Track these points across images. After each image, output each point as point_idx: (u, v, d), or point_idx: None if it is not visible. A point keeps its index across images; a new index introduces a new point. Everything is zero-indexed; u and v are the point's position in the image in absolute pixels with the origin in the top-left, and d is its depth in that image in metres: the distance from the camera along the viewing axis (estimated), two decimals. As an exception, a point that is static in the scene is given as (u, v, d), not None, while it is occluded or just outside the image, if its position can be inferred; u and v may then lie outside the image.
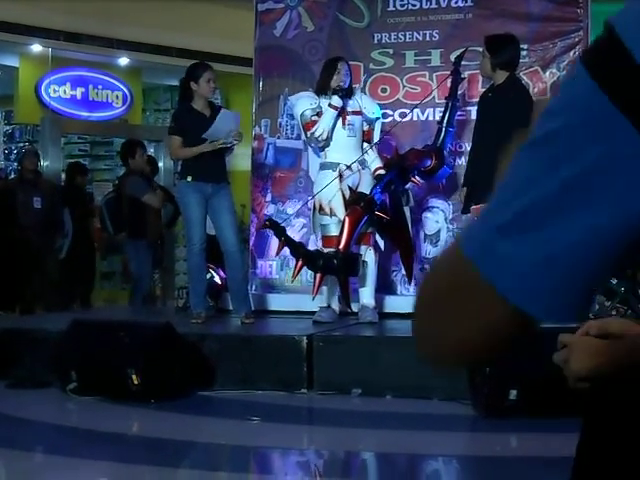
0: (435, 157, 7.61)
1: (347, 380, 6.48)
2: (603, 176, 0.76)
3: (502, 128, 6.83)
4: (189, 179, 7.64)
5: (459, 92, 7.86)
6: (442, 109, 7.86)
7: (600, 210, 0.76)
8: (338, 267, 7.33)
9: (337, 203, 7.53)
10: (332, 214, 7.54)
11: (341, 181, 7.58)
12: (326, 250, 7.51)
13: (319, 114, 7.61)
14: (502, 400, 5.63)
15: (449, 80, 7.74)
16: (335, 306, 7.74)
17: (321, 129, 7.55)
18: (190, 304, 7.88)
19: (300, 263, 7.44)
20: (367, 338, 7.04)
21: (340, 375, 6.53)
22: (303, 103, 7.77)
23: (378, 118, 7.89)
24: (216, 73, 7.93)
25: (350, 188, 7.59)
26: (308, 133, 7.66)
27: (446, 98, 7.74)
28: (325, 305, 7.69)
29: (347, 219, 7.39)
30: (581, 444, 1.34)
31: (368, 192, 7.53)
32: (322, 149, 7.71)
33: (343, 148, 7.65)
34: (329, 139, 7.62)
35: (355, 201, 7.47)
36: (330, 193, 7.53)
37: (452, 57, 8.04)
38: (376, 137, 7.85)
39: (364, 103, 7.82)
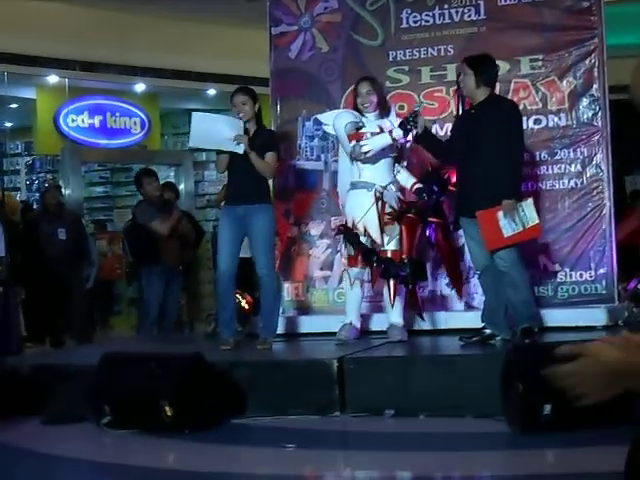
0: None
1: (380, 401, 6.47)
2: None
3: (493, 140, 6.88)
4: (222, 204, 7.81)
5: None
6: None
7: None
8: (409, 275, 7.35)
9: (372, 223, 7.43)
10: (366, 234, 7.46)
11: (377, 202, 7.45)
12: (354, 269, 7.54)
13: (359, 129, 7.48)
14: (537, 415, 5.60)
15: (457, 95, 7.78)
16: (357, 323, 7.72)
17: (370, 147, 7.35)
18: (219, 330, 7.86)
19: (376, 270, 7.46)
20: (398, 358, 7.03)
21: (372, 396, 6.51)
22: (345, 116, 7.61)
23: (409, 140, 7.65)
24: (242, 97, 7.71)
25: (400, 199, 7.54)
26: (353, 142, 7.42)
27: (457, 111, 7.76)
28: (348, 322, 7.67)
29: (404, 228, 7.39)
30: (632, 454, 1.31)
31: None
32: (359, 162, 7.52)
33: (378, 168, 7.52)
34: (370, 158, 7.47)
35: (406, 211, 7.45)
36: (363, 212, 7.43)
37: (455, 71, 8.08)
38: (405, 156, 7.81)
39: (393, 120, 7.65)
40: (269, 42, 9.03)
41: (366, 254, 7.49)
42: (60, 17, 12.68)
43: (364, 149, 7.38)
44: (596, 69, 8.08)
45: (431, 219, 7.55)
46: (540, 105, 8.19)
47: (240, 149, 7.42)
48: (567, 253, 8.08)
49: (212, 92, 14.74)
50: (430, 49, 8.50)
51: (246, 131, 7.51)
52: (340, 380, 6.56)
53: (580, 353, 1.73)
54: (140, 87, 14.25)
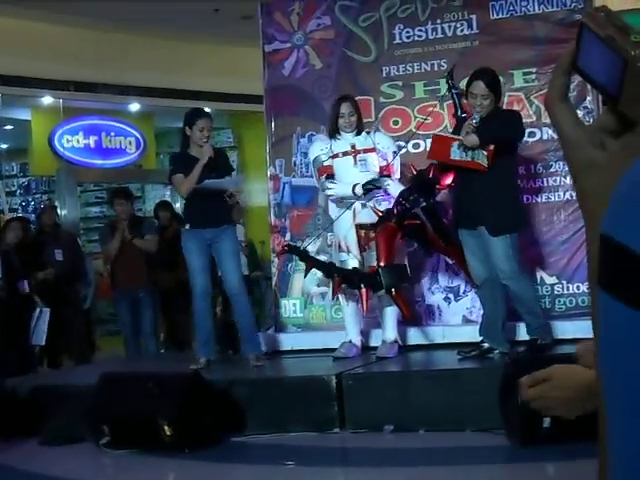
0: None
1: (379, 417, 6.46)
2: None
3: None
4: (187, 227, 7.70)
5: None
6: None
7: None
8: (382, 282, 7.26)
9: (351, 240, 7.57)
10: (348, 251, 7.59)
11: (354, 219, 7.57)
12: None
13: (334, 156, 7.65)
14: (536, 428, 5.59)
15: (451, 99, 7.77)
16: (357, 340, 7.73)
17: (333, 192, 7.66)
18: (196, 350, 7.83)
19: (337, 281, 7.43)
20: (396, 373, 7.03)
21: (371, 412, 6.50)
22: (315, 148, 7.86)
23: (395, 152, 7.81)
24: (211, 121, 7.94)
25: (377, 210, 7.52)
26: (322, 178, 7.71)
27: (454, 115, 7.74)
28: (347, 340, 7.69)
29: (379, 239, 7.36)
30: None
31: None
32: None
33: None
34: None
35: (384, 219, 7.44)
36: (344, 230, 7.60)
37: (442, 79, 8.08)
38: (397, 170, 7.82)
39: (377, 139, 7.78)
40: (263, 60, 9.05)
41: (322, 268, 7.61)
42: (54, 38, 12.71)
43: (328, 192, 7.72)
44: (588, 81, 8.08)
45: (410, 222, 7.43)
46: (534, 118, 8.20)
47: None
48: (564, 265, 8.08)
49: (206, 110, 14.76)
50: (423, 64, 8.52)
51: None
52: (339, 396, 6.55)
53: (544, 378, 1.83)
54: (135, 107, 14.27)
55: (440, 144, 7.26)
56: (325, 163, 7.71)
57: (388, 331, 7.62)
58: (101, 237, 10.43)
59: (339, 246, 7.71)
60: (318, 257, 8.02)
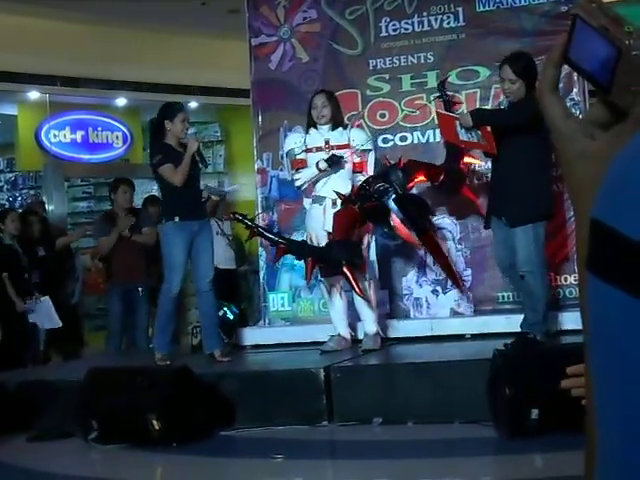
0: (446, 174, 7.60)
1: (367, 410, 6.46)
2: None
3: (523, 142, 6.87)
4: (177, 219, 7.52)
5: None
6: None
7: None
8: (334, 255, 7.23)
9: (321, 237, 7.53)
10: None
11: (325, 215, 7.52)
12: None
13: (307, 150, 7.63)
14: (524, 420, 5.61)
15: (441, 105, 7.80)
16: (345, 334, 7.71)
17: (302, 181, 7.68)
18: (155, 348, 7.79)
19: (281, 250, 7.51)
20: (384, 366, 7.03)
21: (360, 405, 6.51)
22: (289, 141, 7.94)
23: (370, 150, 7.81)
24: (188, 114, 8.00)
25: (337, 193, 7.51)
26: (293, 171, 7.79)
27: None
28: (336, 334, 7.68)
29: (337, 216, 7.32)
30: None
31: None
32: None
33: (329, 181, 7.58)
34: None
35: (346, 202, 7.43)
36: (317, 227, 7.59)
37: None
38: (370, 167, 7.78)
39: (353, 135, 7.74)
40: (249, 53, 9.04)
41: (268, 238, 7.70)
42: (40, 33, 12.65)
43: (297, 183, 7.74)
44: (575, 73, 8.08)
45: (371, 204, 7.37)
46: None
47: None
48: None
49: (193, 105, 14.73)
50: (410, 57, 8.52)
51: (186, 146, 7.59)
52: (327, 389, 6.55)
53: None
54: (121, 101, 14.23)
55: (444, 122, 7.41)
56: (298, 157, 7.71)
57: (367, 323, 7.60)
58: (96, 229, 10.28)
59: (311, 240, 7.68)
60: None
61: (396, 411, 6.40)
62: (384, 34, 8.61)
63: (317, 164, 7.50)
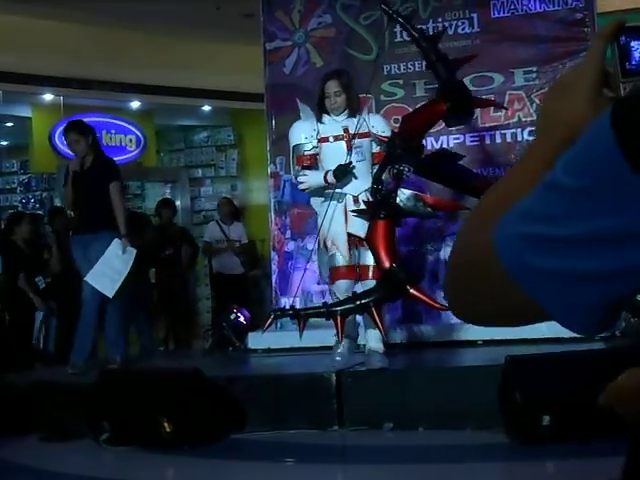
0: (445, 99, 6.77)
1: (378, 414, 6.45)
2: (636, 235, 0.83)
3: None
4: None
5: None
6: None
7: (633, 257, 0.83)
8: (397, 282, 6.54)
9: (341, 240, 6.93)
10: (335, 249, 6.97)
11: (346, 214, 6.89)
12: (337, 282, 7.05)
13: (322, 140, 6.99)
14: (535, 426, 5.60)
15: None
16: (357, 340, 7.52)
17: (307, 185, 7.01)
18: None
19: (340, 318, 6.71)
20: (396, 371, 7.01)
21: (371, 410, 6.50)
22: (297, 132, 7.14)
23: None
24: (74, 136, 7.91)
25: (364, 201, 6.81)
26: (298, 168, 7.05)
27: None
28: (346, 341, 7.20)
29: (370, 240, 6.60)
30: (629, 465, 1.32)
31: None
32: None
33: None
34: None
35: (374, 213, 6.66)
36: (336, 229, 6.93)
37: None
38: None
39: (372, 122, 7.10)
40: (263, 57, 9.06)
41: (319, 315, 6.92)
42: (55, 35, 12.70)
43: (300, 187, 7.09)
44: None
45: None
46: (535, 117, 8.20)
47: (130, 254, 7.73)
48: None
49: (207, 108, 14.77)
50: (424, 62, 8.49)
51: (82, 165, 7.74)
52: (338, 394, 6.54)
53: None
54: (135, 104, 14.27)
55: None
56: (307, 152, 7.02)
57: (377, 341, 7.07)
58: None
59: (324, 244, 7.04)
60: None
61: (407, 416, 6.38)
62: (399, 39, 8.62)
63: (325, 176, 6.84)
